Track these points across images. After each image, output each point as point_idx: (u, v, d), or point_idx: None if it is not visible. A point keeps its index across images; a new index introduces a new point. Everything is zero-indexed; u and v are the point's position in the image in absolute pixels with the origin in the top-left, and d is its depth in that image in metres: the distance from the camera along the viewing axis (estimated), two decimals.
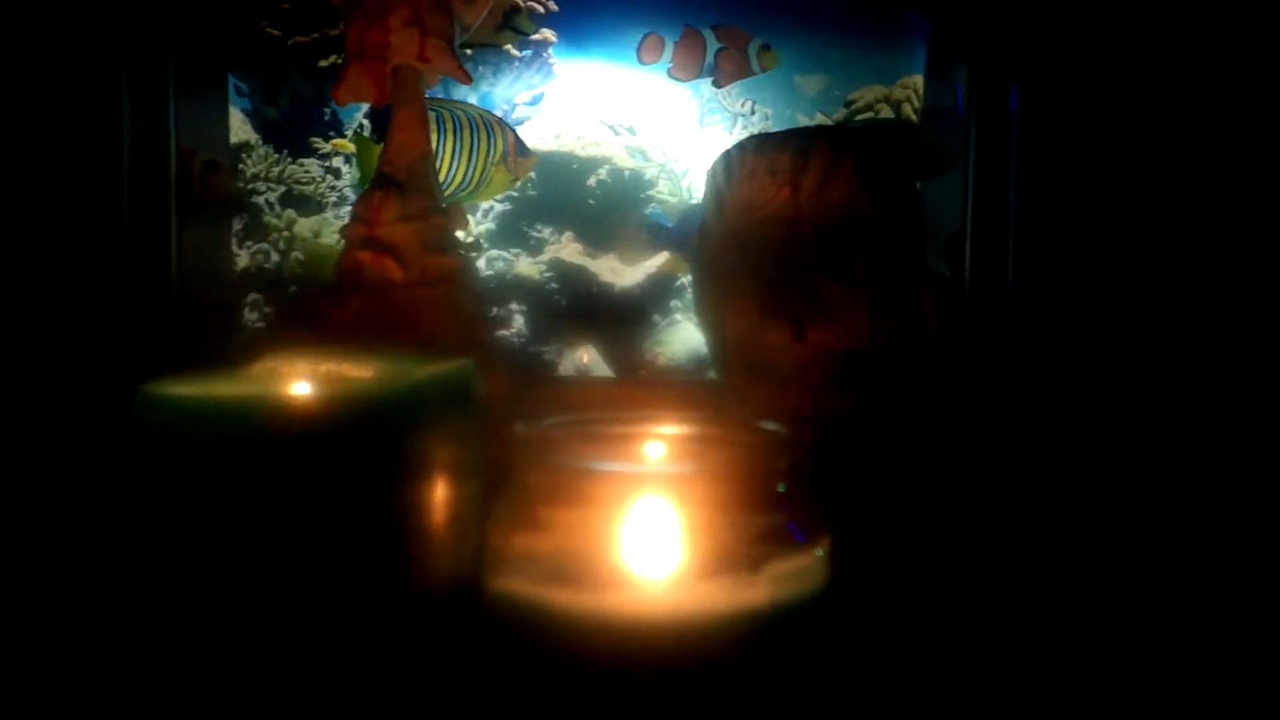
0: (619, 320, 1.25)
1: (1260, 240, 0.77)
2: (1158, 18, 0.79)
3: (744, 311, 0.74)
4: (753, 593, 0.39)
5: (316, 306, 0.77)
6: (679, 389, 1.06)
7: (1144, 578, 0.63)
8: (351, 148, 1.22)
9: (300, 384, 0.46)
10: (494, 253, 1.32)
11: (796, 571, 0.40)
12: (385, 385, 0.46)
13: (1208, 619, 0.58)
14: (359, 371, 0.49)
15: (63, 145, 0.76)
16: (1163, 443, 0.75)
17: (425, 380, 0.47)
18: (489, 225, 1.34)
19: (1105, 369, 0.78)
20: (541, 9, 1.20)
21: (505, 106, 1.26)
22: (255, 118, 1.17)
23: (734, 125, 1.38)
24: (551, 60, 1.24)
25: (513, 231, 1.35)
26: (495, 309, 1.26)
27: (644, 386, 1.09)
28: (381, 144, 0.77)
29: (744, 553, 0.40)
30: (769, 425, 0.45)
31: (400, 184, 0.76)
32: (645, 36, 1.21)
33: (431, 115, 1.06)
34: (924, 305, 0.75)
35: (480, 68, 1.22)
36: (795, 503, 0.42)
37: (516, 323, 1.27)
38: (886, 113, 1.36)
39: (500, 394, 0.67)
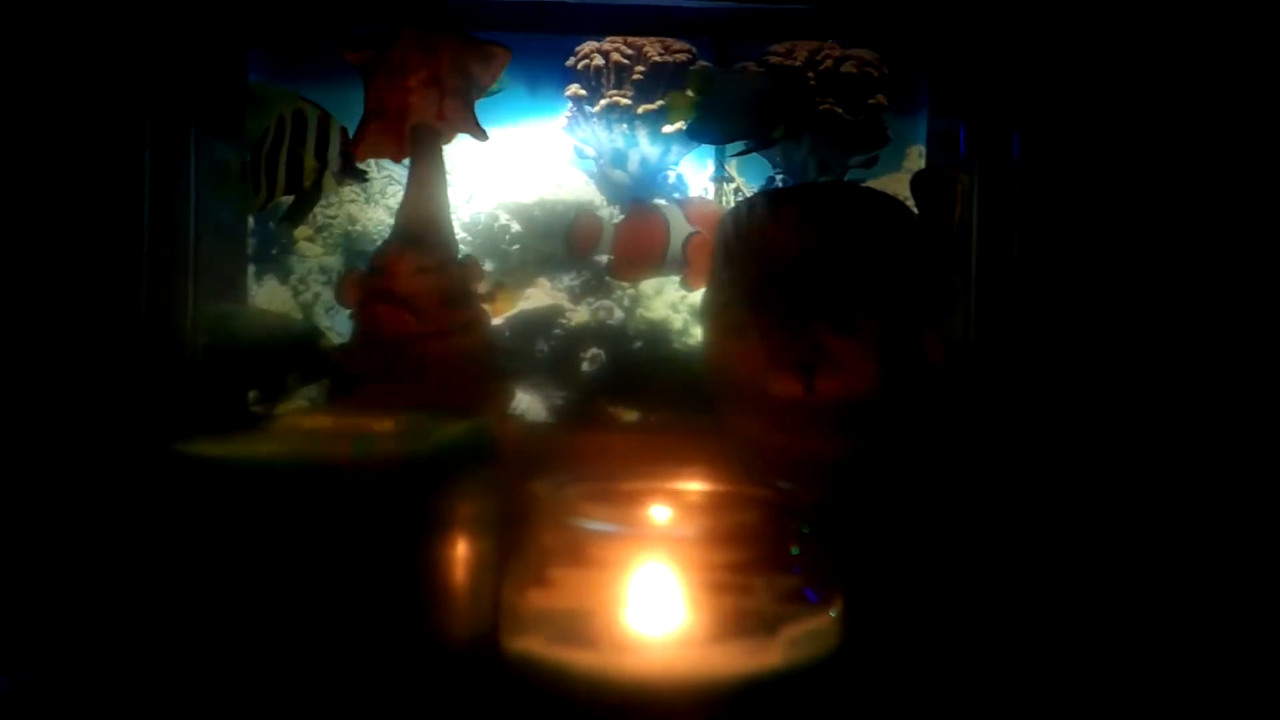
0: None
1: (1267, 279, 0.77)
2: (1157, 65, 0.80)
3: (751, 361, 0.75)
4: (768, 655, 0.39)
5: (334, 359, 0.78)
6: (690, 438, 1.06)
7: (1152, 613, 0.63)
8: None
9: (325, 444, 0.47)
10: None
11: (810, 633, 0.41)
12: (409, 447, 0.47)
13: (1215, 666, 0.57)
14: (378, 429, 0.50)
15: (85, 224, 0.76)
16: (1166, 485, 0.75)
17: (446, 441, 0.47)
18: None
19: (1111, 416, 0.79)
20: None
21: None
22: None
23: None
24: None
25: None
26: None
27: (656, 435, 1.09)
28: None
29: (759, 615, 0.40)
30: (784, 484, 0.46)
31: (417, 238, 0.77)
32: None
33: None
34: (929, 352, 0.76)
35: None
36: (810, 563, 0.42)
37: None
38: None
39: (513, 445, 0.68)
